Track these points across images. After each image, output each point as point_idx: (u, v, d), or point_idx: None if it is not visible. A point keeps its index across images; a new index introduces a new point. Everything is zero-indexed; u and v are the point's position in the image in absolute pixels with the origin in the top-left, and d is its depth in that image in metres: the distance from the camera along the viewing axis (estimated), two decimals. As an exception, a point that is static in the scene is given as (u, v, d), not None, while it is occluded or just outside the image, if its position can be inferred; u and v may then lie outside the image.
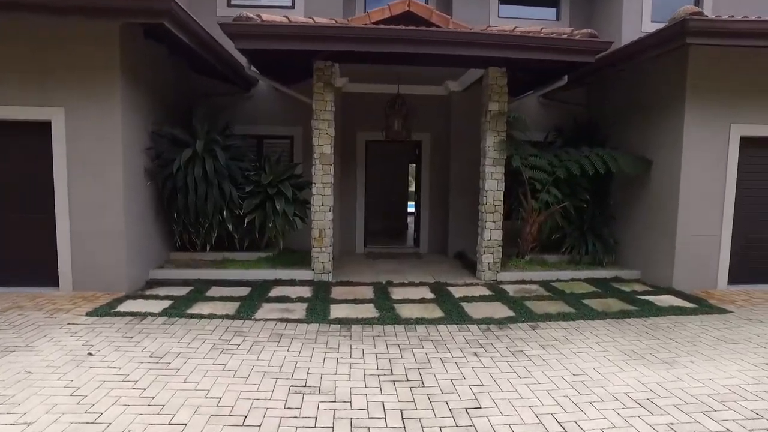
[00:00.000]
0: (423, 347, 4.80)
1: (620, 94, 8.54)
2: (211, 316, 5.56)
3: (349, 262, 8.91)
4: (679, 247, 6.99)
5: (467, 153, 9.43)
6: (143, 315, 5.54)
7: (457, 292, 6.84)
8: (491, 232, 7.46)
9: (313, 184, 7.22)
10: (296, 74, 7.95)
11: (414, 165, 10.73)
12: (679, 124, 6.96)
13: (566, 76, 7.53)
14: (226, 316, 5.58)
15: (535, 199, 7.82)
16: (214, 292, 6.64)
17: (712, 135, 6.92)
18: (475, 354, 4.64)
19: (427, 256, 9.69)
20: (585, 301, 6.42)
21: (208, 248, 7.82)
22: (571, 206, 8.08)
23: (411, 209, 15.19)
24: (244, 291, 6.70)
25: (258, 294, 6.54)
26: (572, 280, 7.64)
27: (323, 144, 7.17)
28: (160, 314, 5.59)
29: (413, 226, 10.90)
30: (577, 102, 9.67)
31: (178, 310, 5.72)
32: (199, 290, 6.66)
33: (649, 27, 8.61)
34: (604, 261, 8.22)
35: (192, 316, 5.56)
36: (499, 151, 7.38)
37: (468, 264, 8.62)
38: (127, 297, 6.25)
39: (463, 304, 6.29)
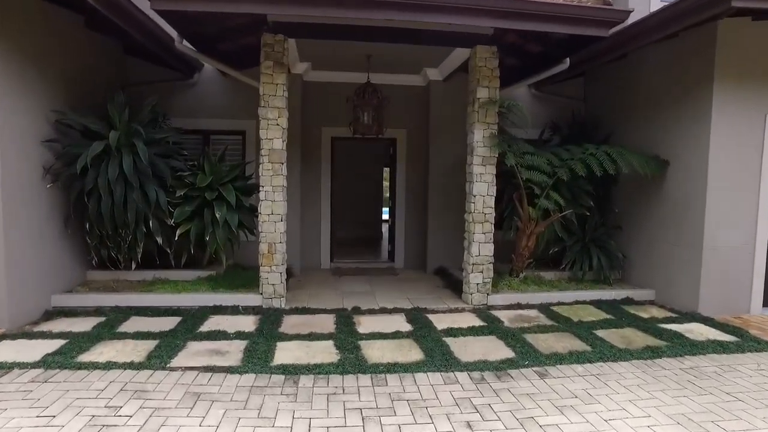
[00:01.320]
0: (395, 413, 3.43)
1: (624, 85, 7.36)
2: (108, 366, 4.09)
3: (310, 281, 7.50)
4: (706, 263, 5.79)
5: (449, 152, 8.17)
6: (9, 367, 4.03)
7: (440, 322, 5.49)
8: (480, 246, 6.14)
9: (261, 188, 5.80)
10: (249, 56, 6.52)
11: (390, 165, 9.35)
12: (704, 116, 5.77)
13: (568, 60, 6.31)
14: (130, 366, 4.11)
15: (533, 206, 6.54)
16: (130, 325, 5.16)
17: (744, 128, 5.74)
18: (469, 426, 3.29)
19: (404, 273, 8.33)
20: (599, 333, 5.14)
21: (134, 266, 6.32)
22: (573, 214, 6.83)
23: (386, 215, 13.87)
24: (170, 323, 5.24)
25: (186, 328, 5.09)
26: (576, 302, 6.38)
27: (273, 138, 5.76)
28: (36, 364, 4.08)
29: (388, 236, 9.51)
30: (572, 95, 8.47)
31: (65, 356, 4.23)
32: (111, 323, 5.17)
33: (659, 5, 7.44)
34: (610, 278, 7.00)
35: (81, 366, 4.08)
36: (490, 148, 6.08)
37: (451, 282, 7.29)
38: (5, 336, 4.73)
39: (448, 339, 4.94)
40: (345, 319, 5.53)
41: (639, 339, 5.01)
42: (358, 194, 12.76)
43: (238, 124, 7.84)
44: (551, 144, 7.59)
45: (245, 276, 6.63)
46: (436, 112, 8.21)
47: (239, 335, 4.94)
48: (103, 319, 5.32)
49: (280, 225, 5.82)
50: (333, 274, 8.09)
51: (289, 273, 7.67)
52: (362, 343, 4.77)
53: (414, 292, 6.88)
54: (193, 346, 4.64)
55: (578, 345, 4.82)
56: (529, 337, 5.03)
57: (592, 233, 7.26)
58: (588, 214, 7.05)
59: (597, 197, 7.16)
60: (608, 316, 5.77)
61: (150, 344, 4.60)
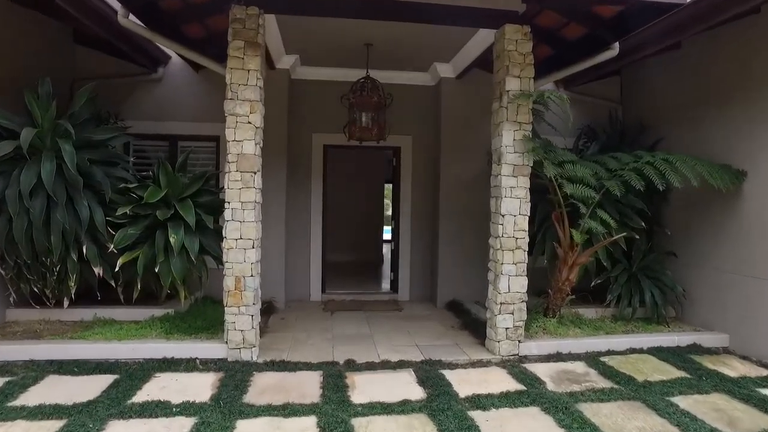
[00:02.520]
0: None
1: (675, 81, 6.09)
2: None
3: (295, 319, 6.11)
4: (807, 305, 4.43)
5: (464, 162, 6.87)
6: None
7: (462, 384, 4.10)
8: (511, 281, 4.78)
9: (227, 205, 4.45)
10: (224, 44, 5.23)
11: (393, 177, 8.01)
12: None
13: (617, 45, 5.04)
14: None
15: (574, 228, 5.19)
16: (40, 390, 3.78)
17: None
18: None
19: (409, 307, 6.94)
20: (680, 404, 3.76)
21: (67, 303, 4.94)
22: (621, 239, 5.48)
23: (387, 235, 12.52)
24: (97, 386, 3.86)
25: (116, 395, 3.70)
26: (631, 351, 4.99)
27: (243, 139, 4.44)
28: None
29: (390, 262, 8.13)
30: (606, 97, 7.19)
31: None
32: (12, 388, 3.78)
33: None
34: (666, 318, 5.63)
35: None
36: (523, 154, 4.76)
37: (469, 322, 5.91)
38: None
39: (476, 414, 3.55)
40: (335, 380, 4.13)
41: (742, 415, 3.61)
42: (355, 212, 11.40)
43: (211, 128, 6.52)
44: (588, 152, 6.27)
45: (213, 315, 5.24)
46: (449, 115, 6.92)
47: (187, 409, 3.54)
48: (6, 380, 3.93)
49: (252, 253, 4.47)
50: (324, 308, 6.70)
51: (270, 309, 6.32)
52: (357, 423, 3.39)
53: (423, 336, 5.49)
54: (116, 429, 3.25)
55: (658, 425, 3.44)
56: (587, 410, 3.65)
57: (641, 261, 5.92)
58: (637, 237, 5.70)
59: (644, 217, 5.82)
60: (681, 374, 4.38)
61: (50, 427, 3.21)
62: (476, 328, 5.59)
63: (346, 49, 6.13)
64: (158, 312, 5.22)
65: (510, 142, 4.74)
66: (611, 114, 6.92)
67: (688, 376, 4.34)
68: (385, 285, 8.42)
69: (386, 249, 12.25)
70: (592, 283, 5.76)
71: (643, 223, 5.64)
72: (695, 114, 5.75)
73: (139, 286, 4.83)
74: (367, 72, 6.05)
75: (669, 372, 4.44)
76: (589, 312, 5.84)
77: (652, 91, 6.57)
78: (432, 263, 7.28)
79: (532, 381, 4.20)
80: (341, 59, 6.57)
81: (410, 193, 7.32)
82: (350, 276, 9.08)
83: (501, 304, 4.78)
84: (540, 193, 5.44)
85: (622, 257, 5.87)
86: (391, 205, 16.86)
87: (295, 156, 7.03)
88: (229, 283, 4.46)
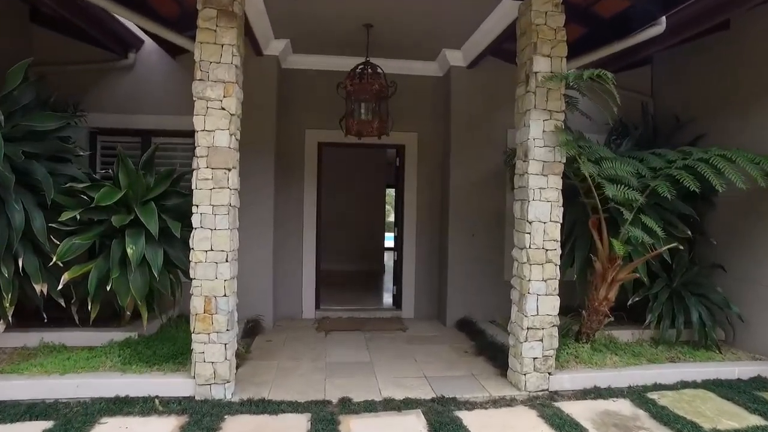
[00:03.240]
0: None
1: (720, 69, 5.29)
2: None
3: (283, 342, 5.29)
4: None
5: (477, 162, 6.09)
6: None
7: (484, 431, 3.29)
8: (540, 301, 3.96)
9: (195, 209, 3.64)
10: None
11: (395, 179, 7.18)
12: None
13: (664, 20, 4.25)
14: None
15: (613, 237, 4.36)
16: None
17: None
18: None
19: (415, 326, 6.10)
20: (768, 465, 2.93)
21: (3, 327, 4.11)
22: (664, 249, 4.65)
23: (389, 242, 11.69)
24: (23, 439, 3.04)
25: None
26: (683, 385, 4.17)
27: (215, 129, 3.64)
28: None
29: (392, 274, 7.28)
30: (635, 89, 6.38)
31: None
32: None
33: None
34: (716, 342, 4.79)
35: None
36: (554, 149, 3.95)
37: (484, 345, 5.08)
38: None
39: (509, 483, 2.73)
40: (326, 426, 3.31)
41: None
42: (353, 218, 10.58)
43: (191, 123, 5.70)
44: (621, 150, 5.45)
45: (184, 339, 4.36)
46: (459, 109, 6.12)
47: (130, 473, 2.72)
48: None
49: (225, 267, 3.64)
50: (318, 328, 5.87)
51: (256, 329, 5.51)
52: (352, 496, 2.56)
53: (433, 364, 4.66)
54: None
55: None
56: (649, 474, 2.82)
57: (683, 275, 5.10)
58: (681, 248, 4.87)
59: (689, 224, 5.00)
60: (757, 420, 3.54)
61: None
62: (494, 354, 4.77)
63: (344, 31, 5.35)
64: (119, 335, 4.39)
65: (539, 133, 3.93)
66: (643, 107, 6.11)
67: (765, 423, 3.51)
68: (387, 299, 7.58)
69: (387, 256, 11.43)
70: (630, 301, 4.93)
71: (689, 231, 4.82)
72: (747, 106, 4.94)
73: (90, 306, 3.99)
74: (367, 56, 5.25)
75: (739, 416, 3.60)
76: (624, 334, 5.00)
77: (689, 82, 5.77)
78: (440, 276, 6.45)
79: (570, 427, 3.37)
80: (338, 45, 5.79)
81: (415, 197, 6.50)
82: (348, 289, 8.24)
83: (528, 329, 3.96)
84: (567, 195, 4.62)
85: (660, 270, 5.05)
86: (393, 210, 16.00)
87: (286, 155, 6.22)
88: (197, 304, 3.63)
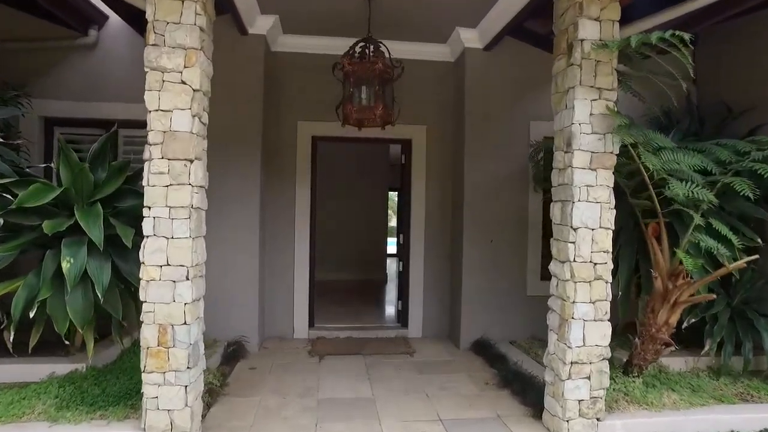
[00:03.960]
0: None
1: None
2: None
3: (269, 371, 4.45)
4: None
5: (495, 159, 5.27)
6: None
7: None
8: (588, 329, 3.12)
9: (146, 211, 2.82)
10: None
11: (401, 178, 6.30)
12: None
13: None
14: None
15: (674, 246, 3.53)
16: None
17: None
18: None
19: (423, 349, 5.26)
20: None
21: None
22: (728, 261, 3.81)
23: (391, 247, 10.91)
24: None
25: None
26: (765, 433, 3.34)
27: (173, 108, 2.82)
28: None
29: (397, 287, 6.43)
30: (669, 75, 5.54)
31: None
32: None
33: None
34: (791, 374, 3.96)
35: None
36: (605, 137, 3.13)
37: (509, 376, 4.23)
38: None
39: None
40: (313, 503, 2.48)
41: None
42: (353, 222, 9.75)
43: None
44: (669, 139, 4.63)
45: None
46: (475, 97, 5.30)
47: None
48: None
49: (186, 287, 2.82)
50: (311, 351, 5.03)
51: (238, 353, 4.71)
52: None
53: (448, 400, 3.83)
54: None
55: None
56: None
57: (746, 292, 4.27)
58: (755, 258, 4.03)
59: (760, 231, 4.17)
60: None
61: None
62: (522, 387, 3.93)
63: (341, 6, 4.56)
64: (63, 367, 3.56)
65: (585, 116, 3.11)
66: (688, 95, 5.29)
67: None
68: (391, 314, 6.73)
69: (390, 263, 10.62)
70: (685, 323, 4.08)
71: (759, 240, 3.98)
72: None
73: (11, 333, 3.16)
74: (369, 32, 4.43)
75: None
76: (675, 362, 4.16)
77: (744, 65, 4.96)
78: (452, 289, 5.62)
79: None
80: (335, 24, 5.00)
81: (423, 198, 5.68)
82: (346, 302, 7.40)
83: (572, 363, 3.12)
84: (620, 195, 3.81)
85: (716, 286, 4.22)
86: (396, 214, 15.18)
87: (275, 151, 5.42)
88: (148, 335, 2.81)
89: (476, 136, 5.28)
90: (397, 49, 4.99)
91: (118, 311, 3.27)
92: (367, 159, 9.66)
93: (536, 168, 5.16)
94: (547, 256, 5.35)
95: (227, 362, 4.49)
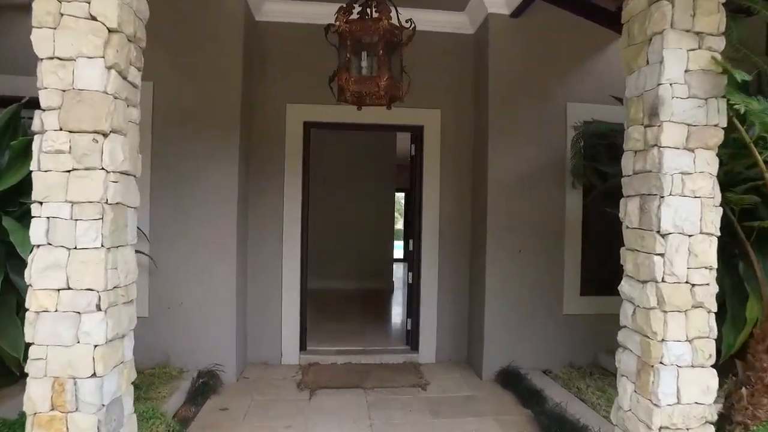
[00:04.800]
0: None
1: None
2: None
3: (245, 412, 3.52)
4: None
5: (527, 149, 4.33)
6: None
7: None
8: (684, 378, 2.17)
9: (35, 209, 1.90)
10: None
11: (410, 173, 5.28)
12: None
13: None
14: None
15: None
16: None
17: None
18: None
19: (438, 379, 4.30)
20: None
21: None
22: None
23: (398, 251, 9.98)
24: None
25: None
26: None
27: (79, 54, 1.90)
28: None
29: (406, 303, 5.44)
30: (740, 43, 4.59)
31: None
32: None
33: None
34: None
35: None
36: (708, 104, 2.18)
37: (550, 421, 3.27)
38: None
39: None
40: None
41: None
42: (354, 224, 8.82)
43: None
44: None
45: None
46: (500, 74, 4.37)
47: None
48: None
49: (97, 323, 1.89)
50: (300, 384, 4.09)
51: (208, 388, 3.81)
52: None
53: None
54: None
55: None
56: None
57: None
58: None
59: None
60: None
61: None
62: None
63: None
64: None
65: (679, 74, 2.16)
66: (760, 73, 4.32)
67: None
68: (397, 328, 5.78)
69: (396, 268, 9.69)
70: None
71: None
72: None
73: None
74: (371, -14, 3.51)
75: None
76: None
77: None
78: (472, 306, 4.68)
79: None
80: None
81: (438, 197, 4.74)
82: (347, 316, 6.47)
83: (661, 429, 2.16)
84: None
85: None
86: (403, 216, 14.22)
87: (259, 139, 4.53)
88: (36, 394, 1.88)
89: (502, 123, 4.35)
90: (405, 17, 4.07)
91: (16, 346, 2.35)
92: (371, 155, 8.74)
93: (576, 159, 4.21)
94: (589, 267, 4.44)
95: (193, 400, 3.60)
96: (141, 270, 3.86)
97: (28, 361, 1.87)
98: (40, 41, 1.87)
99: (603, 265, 4.47)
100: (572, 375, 4.19)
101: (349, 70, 3.24)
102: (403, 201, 15.39)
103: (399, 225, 14.59)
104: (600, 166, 3.99)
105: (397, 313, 6.97)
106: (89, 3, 1.89)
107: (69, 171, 1.89)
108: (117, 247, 2.00)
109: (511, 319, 4.33)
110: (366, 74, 3.28)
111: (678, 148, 2.16)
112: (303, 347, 4.70)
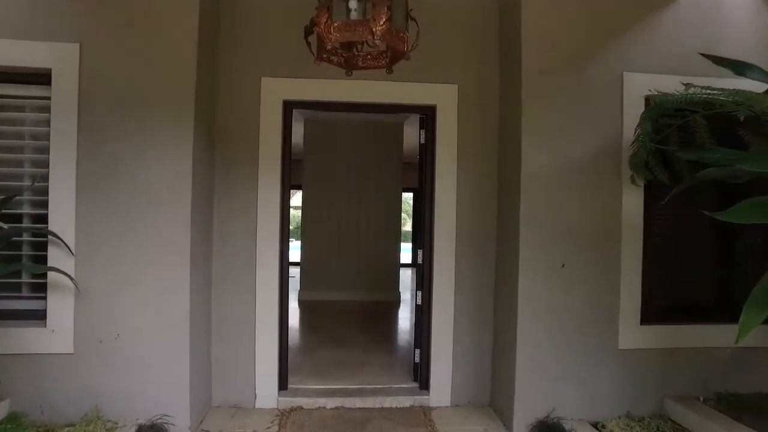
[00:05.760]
0: None
1: None
2: None
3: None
4: None
5: (569, 134, 3.33)
6: None
7: None
8: None
9: None
10: None
11: (419, 166, 4.23)
12: None
13: None
14: None
15: None
16: None
17: None
18: None
19: (456, 431, 3.32)
20: None
21: None
22: None
23: (405, 254, 9.01)
24: None
25: None
26: None
27: None
28: None
29: (414, 329, 4.30)
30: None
31: None
32: None
33: None
34: None
35: None
36: None
37: None
38: None
39: None
40: None
41: None
42: (354, 227, 7.86)
43: (45, 53, 3.03)
44: None
45: None
46: (537, 38, 3.36)
47: None
48: None
49: None
50: (274, 440, 3.12)
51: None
52: None
53: None
54: None
55: None
56: None
57: None
58: None
59: None
60: None
61: None
62: None
63: None
64: None
65: None
66: None
67: None
68: (403, 352, 4.76)
69: (404, 276, 8.71)
70: None
71: None
72: None
73: None
74: None
75: None
76: None
77: None
78: (499, 335, 3.68)
79: None
80: None
81: (455, 198, 3.74)
82: (342, 339, 5.46)
83: None
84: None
85: None
86: (411, 217, 13.20)
87: (224, 121, 3.57)
88: None
89: (538, 101, 3.34)
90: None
91: None
92: (373, 149, 7.79)
93: (640, 146, 3.18)
94: (653, 286, 3.42)
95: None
96: (64, 293, 2.94)
97: None
98: None
99: (672, 284, 3.47)
100: (632, 429, 3.18)
101: (330, 12, 2.25)
102: (411, 202, 14.42)
103: (406, 226, 13.63)
104: (682, 154, 2.94)
105: (404, 332, 5.98)
106: None
107: None
108: None
109: (550, 354, 3.33)
110: (356, 20, 2.28)
111: None
112: (283, 386, 3.72)
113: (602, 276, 3.34)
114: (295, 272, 8.13)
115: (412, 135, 8.15)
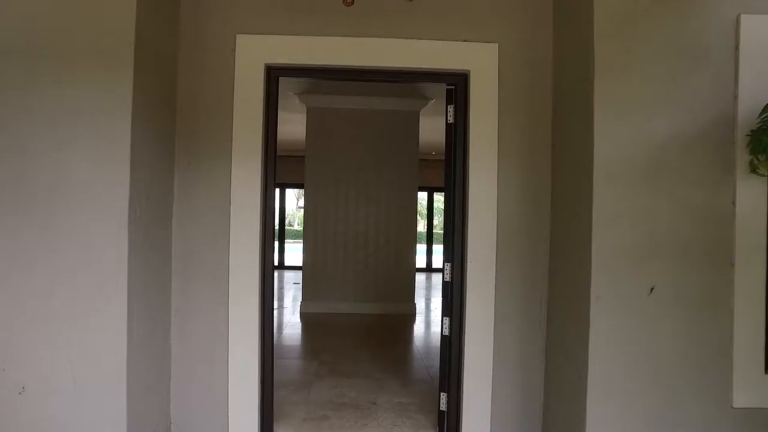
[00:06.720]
0: None
1: None
2: None
3: None
4: None
5: (661, 109, 2.31)
6: None
7: None
8: None
9: None
10: None
11: (446, 154, 3.19)
12: None
13: None
14: None
15: None
16: None
17: None
18: None
19: None
20: None
21: None
22: None
23: (420, 257, 8.05)
24: None
25: None
26: None
27: None
28: None
29: (441, 367, 3.18)
30: None
31: None
32: None
33: None
34: None
35: None
36: None
37: None
38: None
39: None
40: None
41: None
42: (362, 230, 6.98)
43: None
44: None
45: None
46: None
47: None
48: None
49: None
50: None
51: None
52: None
53: None
54: None
55: None
56: None
57: None
58: None
59: None
60: None
61: None
62: None
63: None
64: None
65: None
66: None
67: None
68: (421, 382, 3.82)
69: (420, 280, 7.76)
70: None
71: None
72: None
73: None
74: None
75: None
76: None
77: None
78: (561, 383, 2.73)
79: None
80: None
81: (495, 196, 2.79)
82: (349, 366, 4.52)
83: None
84: None
85: None
86: (425, 219, 12.40)
87: (188, 95, 2.67)
88: None
89: (616, 64, 2.38)
90: None
91: None
92: (385, 142, 6.92)
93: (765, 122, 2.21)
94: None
95: None
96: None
97: None
98: None
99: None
100: None
101: None
102: (425, 202, 13.53)
103: (419, 227, 12.70)
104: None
105: (422, 354, 5.05)
106: None
107: None
108: None
109: (635, 412, 2.37)
110: None
111: None
112: (266, 422, 2.81)
113: (707, 306, 2.37)
114: (299, 278, 7.32)
115: (427, 127, 7.26)
